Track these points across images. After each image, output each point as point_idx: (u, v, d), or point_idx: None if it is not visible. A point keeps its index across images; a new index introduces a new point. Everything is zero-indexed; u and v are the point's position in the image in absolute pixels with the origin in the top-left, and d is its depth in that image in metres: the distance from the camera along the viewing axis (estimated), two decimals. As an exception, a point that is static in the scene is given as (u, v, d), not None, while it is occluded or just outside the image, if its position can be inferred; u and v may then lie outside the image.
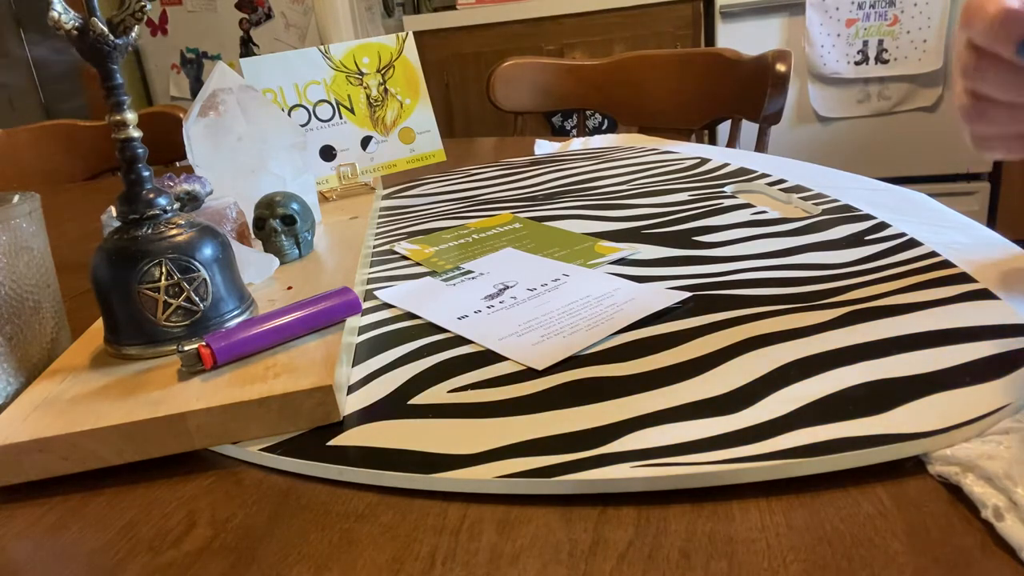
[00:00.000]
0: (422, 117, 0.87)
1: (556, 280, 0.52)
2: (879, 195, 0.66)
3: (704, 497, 0.31)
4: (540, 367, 0.41)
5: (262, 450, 0.37)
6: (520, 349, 0.43)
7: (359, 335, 0.48)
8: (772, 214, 0.63)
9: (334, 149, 0.84)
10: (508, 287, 0.51)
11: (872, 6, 2.00)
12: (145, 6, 0.42)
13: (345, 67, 0.84)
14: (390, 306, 0.53)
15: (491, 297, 0.50)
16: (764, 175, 0.75)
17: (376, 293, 0.55)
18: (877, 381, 0.36)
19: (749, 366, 0.39)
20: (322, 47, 0.83)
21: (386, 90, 0.86)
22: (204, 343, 0.40)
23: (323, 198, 0.82)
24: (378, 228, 0.74)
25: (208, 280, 0.44)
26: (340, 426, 0.38)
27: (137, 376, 0.41)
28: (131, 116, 0.43)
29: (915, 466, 0.31)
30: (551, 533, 0.30)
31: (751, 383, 0.37)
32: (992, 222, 2.12)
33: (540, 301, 0.49)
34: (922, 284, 0.46)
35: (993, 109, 0.34)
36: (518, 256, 0.59)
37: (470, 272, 0.56)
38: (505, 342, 0.44)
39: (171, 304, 0.43)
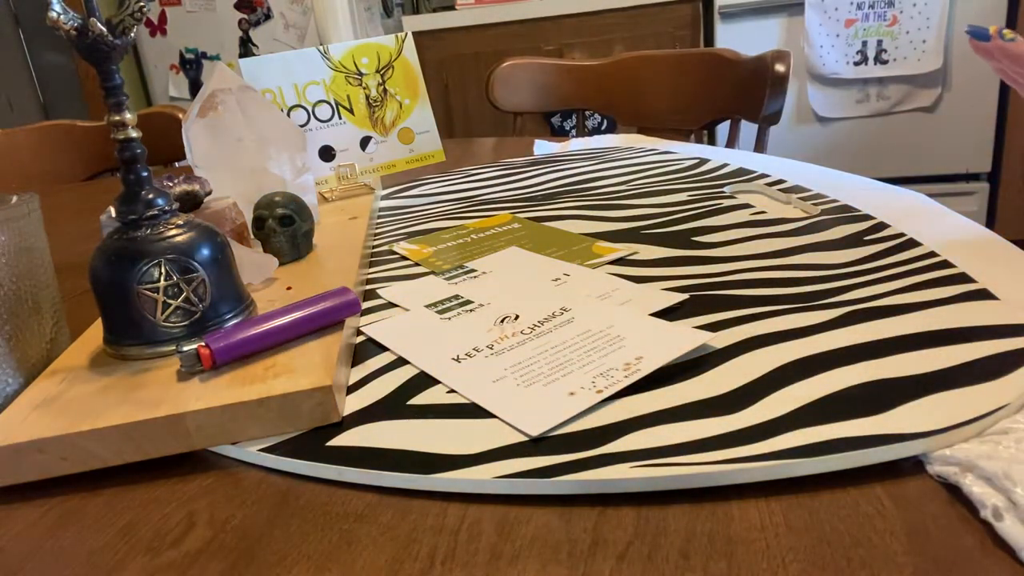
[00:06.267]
0: (421, 117, 0.87)
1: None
2: (879, 195, 0.66)
3: (703, 497, 0.31)
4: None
5: (261, 450, 0.37)
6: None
7: (358, 335, 0.48)
8: (771, 214, 0.63)
9: (333, 149, 0.84)
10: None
11: (871, 6, 2.00)
12: (144, 6, 0.42)
13: (344, 67, 0.84)
14: (390, 306, 0.53)
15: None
16: (763, 175, 0.75)
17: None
18: (877, 381, 0.36)
19: (749, 366, 0.39)
20: (321, 47, 0.83)
21: (385, 90, 0.86)
22: (203, 343, 0.40)
23: (322, 198, 0.82)
24: (377, 228, 0.74)
25: (207, 280, 0.44)
26: (339, 426, 0.38)
27: (136, 376, 0.41)
28: (130, 116, 0.43)
29: (914, 466, 0.31)
30: (551, 533, 0.30)
31: (751, 383, 0.37)
32: (991, 222, 2.12)
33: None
34: (921, 284, 0.46)
35: None
36: (520, 255, 0.59)
37: (472, 271, 0.56)
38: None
39: (170, 304, 0.43)
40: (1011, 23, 1.96)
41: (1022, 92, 0.53)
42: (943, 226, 0.57)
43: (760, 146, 1.12)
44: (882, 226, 0.57)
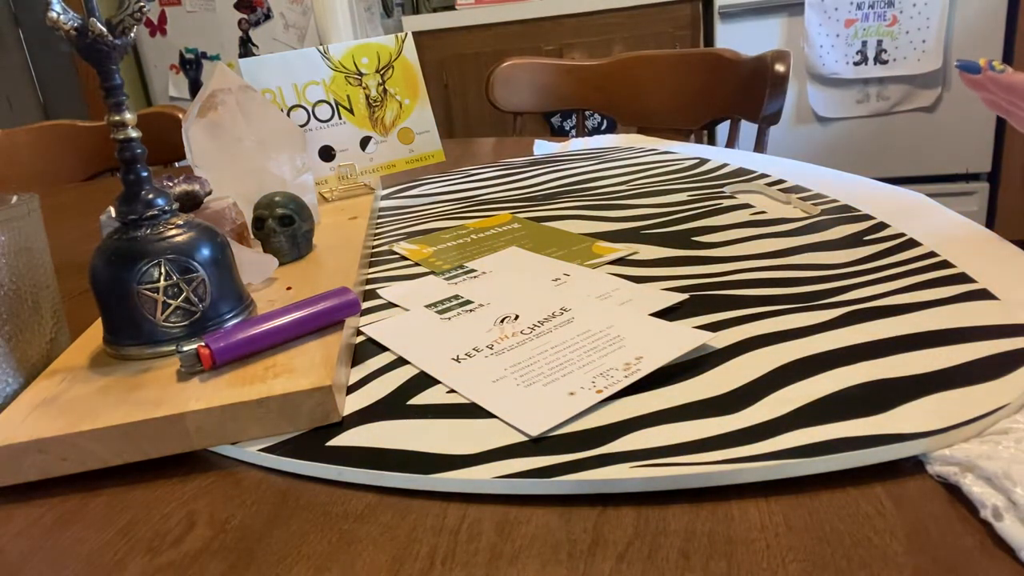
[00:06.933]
0: (421, 117, 0.87)
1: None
2: (879, 195, 0.66)
3: (703, 497, 0.31)
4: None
5: (261, 450, 0.37)
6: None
7: (358, 335, 0.48)
8: (771, 214, 0.63)
9: (333, 149, 0.84)
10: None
11: (871, 7, 2.00)
12: (144, 6, 0.42)
13: (344, 67, 0.84)
14: (390, 306, 0.53)
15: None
16: (763, 175, 0.75)
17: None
18: (877, 381, 0.36)
19: (749, 366, 0.39)
20: (321, 47, 0.83)
21: (385, 90, 0.86)
22: (203, 343, 0.40)
23: (322, 198, 0.82)
24: (377, 228, 0.74)
25: (207, 280, 0.44)
26: (339, 426, 0.38)
27: (136, 376, 0.41)
28: (130, 116, 0.43)
29: (914, 466, 0.31)
30: (550, 533, 0.30)
31: (751, 383, 0.37)
32: (991, 222, 2.12)
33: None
34: (921, 284, 0.46)
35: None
36: (520, 255, 0.59)
37: (472, 271, 0.56)
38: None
39: (170, 304, 0.43)
40: (1011, 24, 1.96)
41: (1015, 123, 0.54)
42: (943, 226, 0.57)
43: (760, 146, 1.12)
44: (882, 226, 0.57)
